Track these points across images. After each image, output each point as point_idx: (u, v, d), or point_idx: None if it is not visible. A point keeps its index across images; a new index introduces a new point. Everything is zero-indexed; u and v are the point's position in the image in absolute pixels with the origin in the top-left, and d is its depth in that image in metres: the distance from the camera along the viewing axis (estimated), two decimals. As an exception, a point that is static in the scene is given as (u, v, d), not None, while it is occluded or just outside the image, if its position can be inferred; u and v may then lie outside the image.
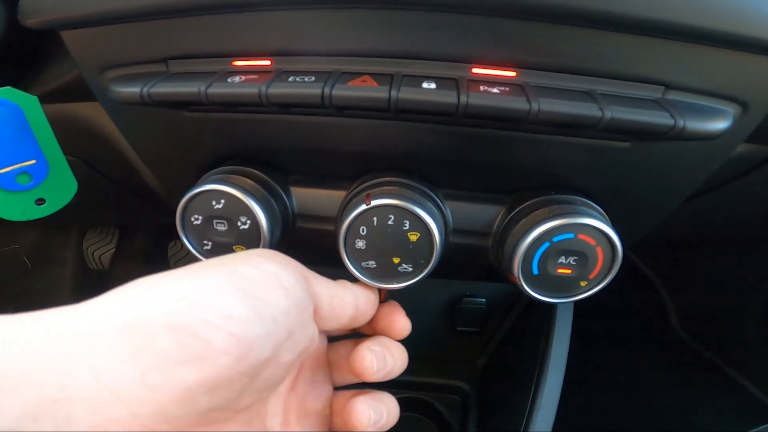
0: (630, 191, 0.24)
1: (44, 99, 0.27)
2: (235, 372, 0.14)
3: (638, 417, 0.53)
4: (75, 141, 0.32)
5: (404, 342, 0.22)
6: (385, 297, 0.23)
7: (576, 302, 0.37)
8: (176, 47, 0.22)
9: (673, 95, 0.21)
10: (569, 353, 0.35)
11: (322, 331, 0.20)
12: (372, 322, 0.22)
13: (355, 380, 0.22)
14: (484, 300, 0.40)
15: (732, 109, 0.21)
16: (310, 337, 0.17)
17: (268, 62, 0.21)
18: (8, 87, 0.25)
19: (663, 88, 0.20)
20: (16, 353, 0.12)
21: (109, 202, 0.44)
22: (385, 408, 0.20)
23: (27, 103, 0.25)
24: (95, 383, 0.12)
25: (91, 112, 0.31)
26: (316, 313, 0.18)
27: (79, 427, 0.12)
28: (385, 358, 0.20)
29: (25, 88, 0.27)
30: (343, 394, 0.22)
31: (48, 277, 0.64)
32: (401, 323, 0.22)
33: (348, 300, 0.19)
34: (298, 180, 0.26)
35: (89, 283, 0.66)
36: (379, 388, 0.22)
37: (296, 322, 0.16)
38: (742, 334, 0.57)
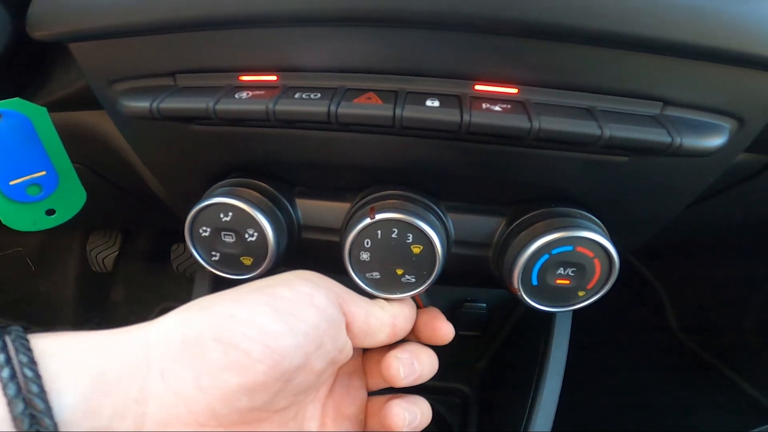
0: (628, 204, 0.25)
1: (50, 108, 0.28)
2: (269, 378, 0.16)
3: (637, 418, 0.54)
4: (80, 148, 0.33)
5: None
6: (423, 302, 0.24)
7: (575, 307, 0.38)
8: (184, 61, 0.23)
9: (671, 111, 0.21)
10: (568, 355, 0.36)
11: (359, 347, 0.21)
12: (414, 330, 0.23)
13: (388, 385, 0.23)
14: (484, 305, 0.41)
15: (728, 124, 0.21)
16: (340, 348, 0.19)
17: (274, 77, 0.22)
18: (17, 98, 0.26)
19: (661, 104, 0.21)
20: (111, 360, 0.15)
21: (114, 206, 0.45)
22: (419, 410, 0.22)
23: (36, 114, 0.26)
24: (164, 386, 0.15)
25: (96, 120, 0.31)
26: (349, 330, 0.20)
27: (151, 422, 0.15)
28: (412, 364, 0.21)
29: (31, 97, 0.28)
30: (378, 399, 0.23)
31: (51, 279, 0.65)
32: (444, 330, 0.23)
33: (385, 321, 0.21)
34: (303, 192, 0.26)
35: (92, 285, 0.66)
36: (388, 391, 0.23)
37: (326, 336, 0.18)
38: (741, 336, 0.58)
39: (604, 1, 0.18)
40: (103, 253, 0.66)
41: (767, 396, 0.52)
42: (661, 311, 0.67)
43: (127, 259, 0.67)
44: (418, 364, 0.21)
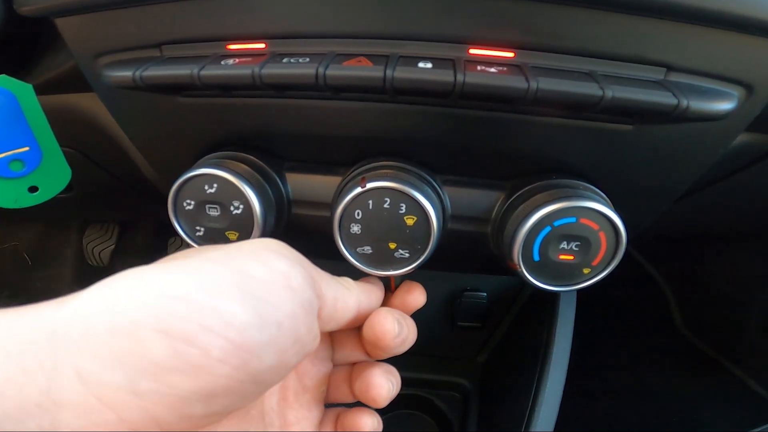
0: (633, 176, 0.23)
1: (42, 89, 0.27)
2: (234, 380, 0.13)
3: (641, 415, 0.51)
4: (72, 132, 0.32)
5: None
6: (395, 284, 0.23)
7: (578, 300, 0.36)
8: (170, 32, 0.22)
9: (675, 77, 0.20)
10: (571, 352, 0.34)
11: (321, 331, 0.19)
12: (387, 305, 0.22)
13: (360, 357, 0.21)
14: (485, 294, 0.39)
15: (736, 92, 0.20)
16: (314, 337, 0.16)
17: (262, 45, 0.21)
18: (3, 75, 0.25)
19: (665, 69, 0.20)
20: None
21: (108, 196, 0.44)
22: (395, 379, 0.20)
23: (21, 90, 0.25)
24: (81, 389, 0.12)
25: (88, 103, 0.31)
26: (318, 315, 0.17)
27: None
28: (401, 323, 0.19)
29: (22, 78, 0.27)
30: (343, 369, 0.21)
31: (48, 273, 0.64)
32: (419, 299, 0.22)
33: (351, 304, 0.18)
34: (293, 166, 0.25)
35: (88, 279, 0.65)
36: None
37: (303, 326, 0.15)
38: (746, 332, 0.56)
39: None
40: (100, 246, 0.65)
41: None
42: (666, 308, 0.65)
43: (123, 253, 0.66)
44: (404, 324, 0.19)
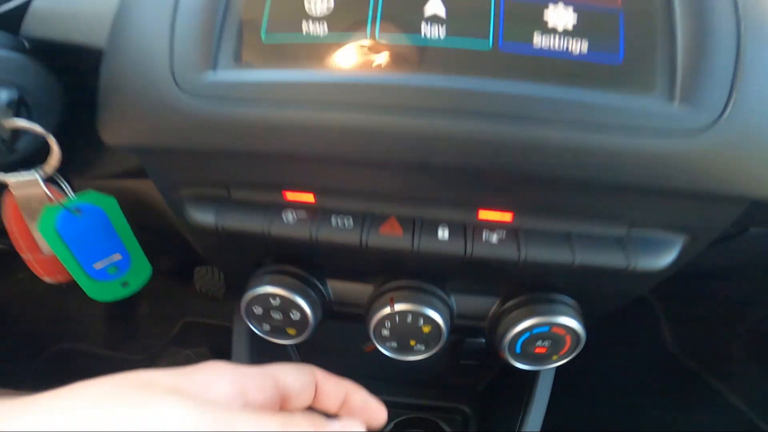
0: (600, 291, 0.33)
1: (100, 177, 0.35)
2: None
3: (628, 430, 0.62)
4: (128, 211, 0.40)
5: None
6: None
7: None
8: (236, 178, 0.30)
9: (636, 232, 0.29)
10: (561, 367, 0.45)
11: None
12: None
13: None
14: (483, 340, 0.51)
15: (683, 239, 0.29)
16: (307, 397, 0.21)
17: (311, 197, 0.30)
18: (90, 190, 0.33)
19: (628, 226, 0.29)
20: None
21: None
22: None
23: (107, 203, 0.34)
24: None
25: (145, 187, 0.39)
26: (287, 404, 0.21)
27: None
28: None
29: (82, 168, 0.34)
30: None
31: (80, 295, 0.74)
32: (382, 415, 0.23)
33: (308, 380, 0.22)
34: (332, 273, 0.35)
35: (118, 301, 0.76)
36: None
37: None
38: (733, 351, 0.63)
39: (583, 159, 0.25)
40: (128, 271, 0.75)
41: (760, 413, 0.58)
42: (656, 325, 0.75)
43: (151, 276, 0.76)
44: None
